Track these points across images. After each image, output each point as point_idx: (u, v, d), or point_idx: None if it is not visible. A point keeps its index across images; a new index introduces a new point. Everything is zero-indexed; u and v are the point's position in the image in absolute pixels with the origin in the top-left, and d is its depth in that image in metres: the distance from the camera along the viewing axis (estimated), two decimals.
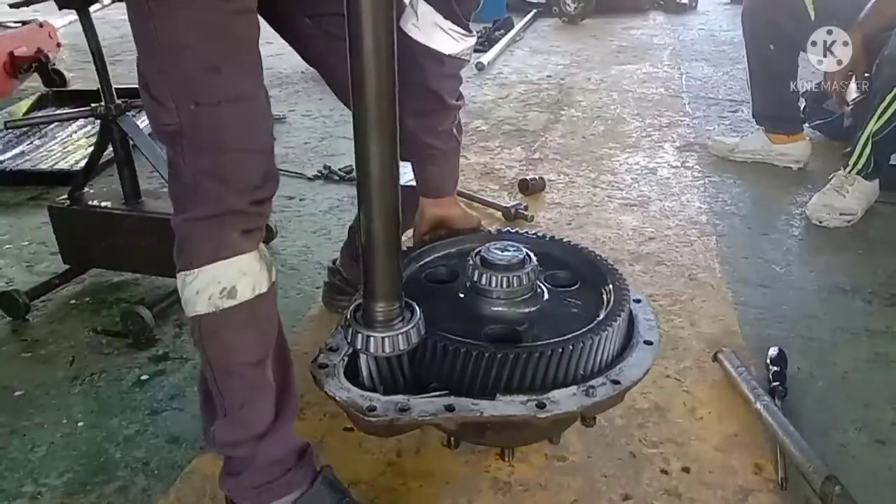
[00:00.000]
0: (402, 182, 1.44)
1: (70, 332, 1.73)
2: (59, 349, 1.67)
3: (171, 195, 1.03)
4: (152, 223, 1.79)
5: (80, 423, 1.43)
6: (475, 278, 1.11)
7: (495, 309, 1.11)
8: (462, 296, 1.15)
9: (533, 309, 1.11)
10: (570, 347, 1.00)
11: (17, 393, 1.53)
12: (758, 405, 1.36)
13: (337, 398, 0.97)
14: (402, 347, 0.93)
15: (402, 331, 0.93)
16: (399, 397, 0.97)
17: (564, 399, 0.97)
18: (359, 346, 0.93)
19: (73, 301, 1.87)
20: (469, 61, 1.29)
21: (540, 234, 1.31)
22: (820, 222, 2.18)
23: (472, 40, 1.24)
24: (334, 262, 1.74)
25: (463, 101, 1.29)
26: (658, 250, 2.04)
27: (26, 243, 2.17)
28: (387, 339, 0.92)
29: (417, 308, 0.96)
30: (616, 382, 1.01)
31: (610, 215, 2.26)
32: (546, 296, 1.14)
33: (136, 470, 1.31)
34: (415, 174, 1.35)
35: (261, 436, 1.06)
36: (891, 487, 1.25)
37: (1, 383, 1.56)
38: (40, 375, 1.57)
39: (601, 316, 1.09)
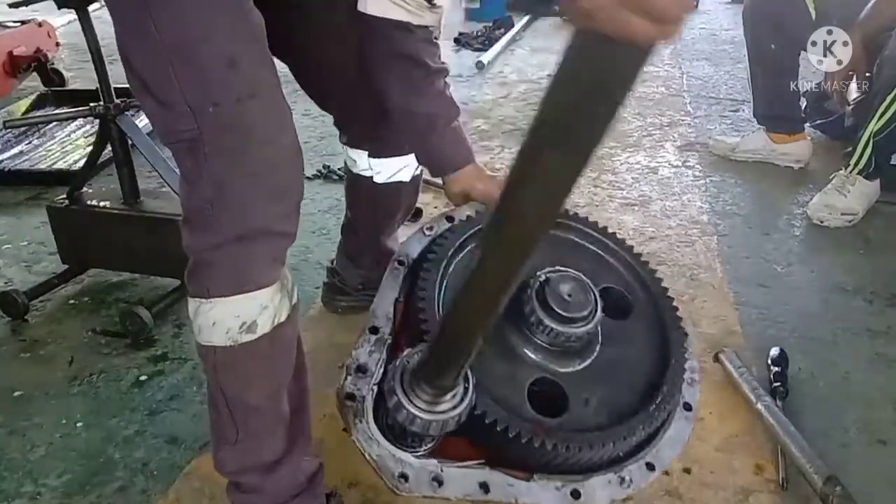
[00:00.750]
0: (398, 177, 1.45)
1: (69, 333, 1.72)
2: (57, 349, 1.66)
3: (185, 214, 0.91)
4: (151, 223, 1.79)
5: (79, 424, 1.43)
6: (530, 317, 0.96)
7: (543, 359, 0.98)
8: (506, 323, 0.99)
9: (586, 364, 0.99)
10: (615, 441, 0.93)
11: (16, 393, 1.52)
12: (759, 405, 1.35)
13: (366, 454, 0.90)
14: (449, 429, 0.84)
15: (451, 413, 0.83)
16: (433, 464, 0.90)
17: (599, 489, 0.93)
18: (401, 419, 0.84)
19: (72, 301, 1.87)
20: (439, 32, 1.21)
21: (600, 227, 1.16)
22: (821, 222, 2.18)
23: (436, 15, 1.16)
24: (332, 262, 1.74)
25: (446, 65, 1.22)
26: (659, 250, 2.04)
27: (25, 243, 2.16)
28: (434, 423, 0.83)
29: (472, 378, 0.86)
30: (651, 468, 0.96)
31: (611, 215, 2.26)
32: (599, 342, 1.00)
33: (135, 470, 1.30)
34: (422, 156, 1.29)
35: (271, 466, 1.01)
36: (891, 487, 1.24)
37: (0, 383, 1.55)
38: (39, 375, 1.57)
39: (657, 396, 0.98)
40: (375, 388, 0.95)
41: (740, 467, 1.28)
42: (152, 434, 1.39)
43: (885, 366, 1.56)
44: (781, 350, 1.52)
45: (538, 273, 0.99)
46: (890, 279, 1.88)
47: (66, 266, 1.92)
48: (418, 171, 1.50)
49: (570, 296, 0.96)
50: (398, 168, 1.46)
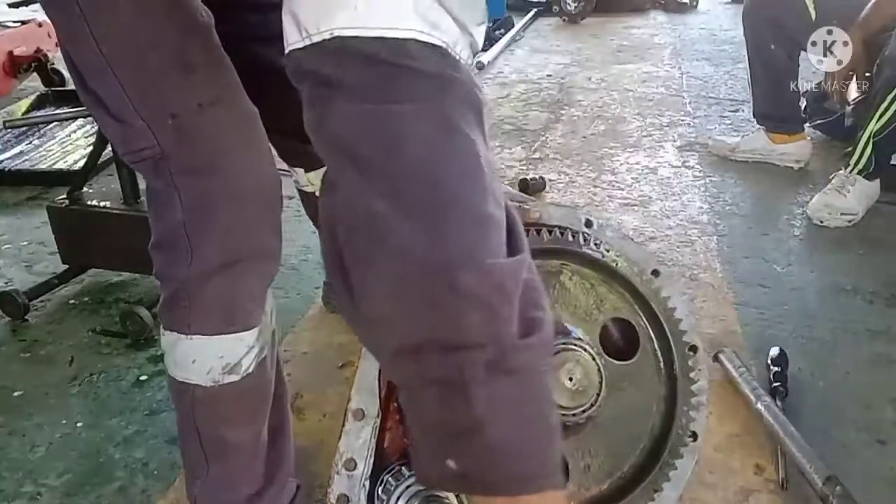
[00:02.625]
0: None
1: (69, 333, 1.72)
2: (58, 349, 1.66)
3: (157, 237, 0.83)
4: None
5: (79, 424, 1.43)
6: None
7: None
8: None
9: (586, 430, 0.94)
10: None
11: (16, 393, 1.52)
12: (758, 405, 1.35)
13: None
14: None
15: None
16: None
17: None
18: None
19: (72, 301, 1.87)
20: None
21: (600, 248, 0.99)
22: (821, 222, 2.18)
23: None
24: None
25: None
26: (659, 250, 2.03)
27: (25, 243, 2.16)
28: None
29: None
30: None
31: (610, 215, 2.26)
32: (601, 393, 0.91)
33: (135, 470, 1.30)
34: None
35: (250, 499, 0.96)
36: (891, 487, 1.24)
37: (0, 383, 1.55)
38: (39, 376, 1.57)
39: (660, 458, 0.95)
40: (367, 483, 0.89)
41: (740, 467, 1.28)
42: (152, 434, 1.39)
43: (884, 366, 1.56)
44: (781, 350, 1.52)
45: None
46: (890, 279, 1.88)
47: (66, 266, 1.92)
48: None
49: (571, 380, 0.88)
50: None
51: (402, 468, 0.88)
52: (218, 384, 0.86)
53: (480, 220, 0.54)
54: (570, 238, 0.97)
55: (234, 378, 0.86)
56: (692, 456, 0.98)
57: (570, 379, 0.89)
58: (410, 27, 0.54)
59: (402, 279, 0.53)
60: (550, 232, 0.96)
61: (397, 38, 0.54)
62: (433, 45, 0.56)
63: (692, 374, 0.98)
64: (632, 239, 1.03)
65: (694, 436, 0.98)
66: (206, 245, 0.80)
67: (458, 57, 0.59)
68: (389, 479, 0.87)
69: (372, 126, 0.54)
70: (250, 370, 0.87)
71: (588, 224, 1.00)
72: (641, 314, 0.99)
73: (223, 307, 0.83)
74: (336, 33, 0.54)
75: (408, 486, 0.86)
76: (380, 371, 0.92)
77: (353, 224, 0.55)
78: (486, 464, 0.55)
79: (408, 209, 0.53)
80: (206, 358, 0.84)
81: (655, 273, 0.99)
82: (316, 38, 0.54)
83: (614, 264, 0.98)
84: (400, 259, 0.52)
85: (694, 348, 0.99)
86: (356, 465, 0.89)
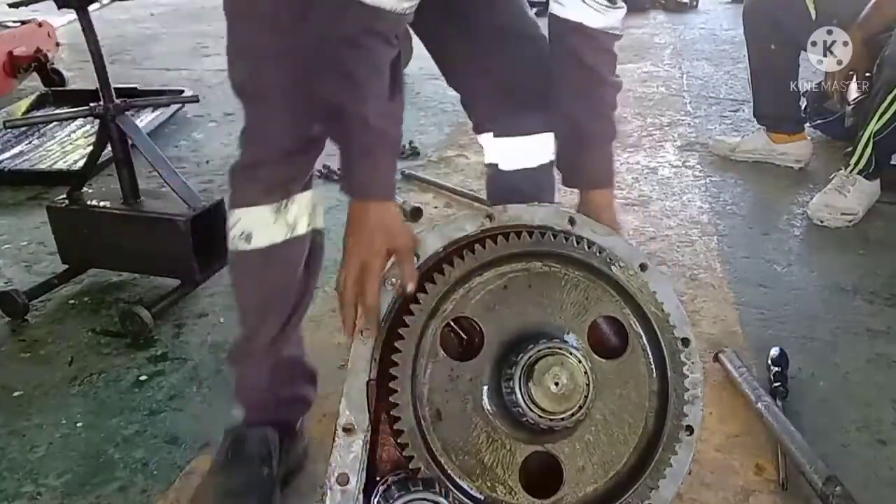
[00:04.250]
0: (539, 161, 1.32)
1: (69, 333, 1.72)
2: (57, 349, 1.66)
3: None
4: (151, 223, 1.79)
5: (78, 424, 1.43)
6: (517, 403, 0.90)
7: (532, 434, 0.93)
8: (491, 392, 0.93)
9: (579, 426, 0.95)
10: None
11: (16, 393, 1.52)
12: (759, 405, 1.35)
13: None
14: None
15: None
16: None
17: None
18: None
19: (71, 301, 1.87)
20: (621, 35, 1.16)
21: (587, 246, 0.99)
22: (821, 222, 2.18)
23: (620, 12, 1.11)
24: None
25: (621, 79, 1.17)
26: (659, 250, 2.04)
27: (25, 243, 2.16)
28: None
29: None
30: None
31: None
32: (589, 395, 0.91)
33: (135, 470, 1.30)
34: (565, 163, 1.23)
35: (265, 350, 1.21)
36: (891, 487, 1.24)
37: (0, 383, 1.55)
38: (39, 376, 1.57)
39: (655, 454, 0.96)
40: (360, 497, 0.90)
41: (740, 467, 1.28)
42: (152, 434, 1.39)
43: (884, 366, 1.56)
44: (781, 350, 1.52)
45: (520, 357, 0.90)
46: (890, 279, 1.88)
47: (66, 266, 1.92)
48: (546, 161, 1.35)
49: (556, 384, 0.89)
50: (522, 149, 1.33)
51: (393, 486, 0.88)
52: (237, 249, 1.16)
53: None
54: (553, 238, 0.97)
55: (247, 246, 1.15)
56: (688, 450, 0.98)
57: (556, 384, 0.89)
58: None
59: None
60: (531, 234, 0.96)
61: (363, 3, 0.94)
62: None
63: (685, 368, 0.98)
64: (618, 234, 1.03)
65: (689, 430, 0.98)
66: (244, 152, 1.17)
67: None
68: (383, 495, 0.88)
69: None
70: (260, 245, 1.15)
71: (572, 222, 1.00)
72: (630, 310, 0.99)
73: (241, 189, 1.17)
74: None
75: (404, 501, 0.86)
76: (368, 385, 0.93)
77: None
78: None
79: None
80: (232, 226, 1.17)
81: (643, 267, 0.99)
82: None
83: (599, 262, 0.97)
84: None
85: (686, 341, 0.99)
86: (349, 479, 0.90)
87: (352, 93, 0.96)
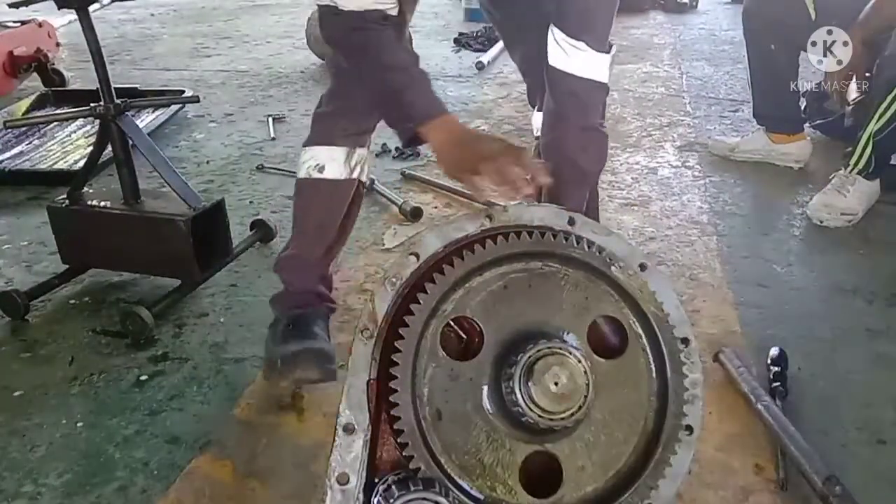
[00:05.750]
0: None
1: (69, 333, 1.73)
2: (58, 349, 1.67)
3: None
4: (151, 223, 1.79)
5: (79, 424, 1.43)
6: (516, 402, 0.89)
7: (532, 434, 0.93)
8: (491, 392, 0.93)
9: (579, 426, 0.94)
10: None
11: (16, 393, 1.52)
12: (758, 405, 1.35)
13: None
14: None
15: None
16: None
17: None
18: None
19: (72, 301, 1.87)
20: (601, 85, 1.42)
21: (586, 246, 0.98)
22: (821, 222, 2.18)
23: (588, 55, 1.34)
24: None
25: (603, 126, 1.49)
26: (659, 250, 2.04)
27: (25, 243, 2.16)
28: None
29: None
30: None
31: (610, 215, 2.26)
32: (589, 395, 0.90)
33: (135, 470, 1.31)
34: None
35: (312, 264, 1.56)
36: (891, 487, 1.24)
37: (0, 383, 1.55)
38: (39, 375, 1.57)
39: (653, 455, 0.95)
40: (361, 496, 0.90)
41: (740, 467, 1.28)
42: (152, 434, 1.39)
43: (884, 365, 1.56)
44: (781, 350, 1.52)
45: (520, 357, 0.89)
46: (890, 279, 1.88)
47: (67, 266, 1.92)
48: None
49: (556, 384, 0.88)
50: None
51: (393, 485, 0.88)
52: (310, 177, 1.49)
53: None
54: (553, 238, 0.97)
55: (319, 175, 1.48)
56: (688, 450, 0.97)
57: (556, 384, 0.89)
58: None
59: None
60: (531, 234, 0.96)
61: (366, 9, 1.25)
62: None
63: (685, 368, 0.98)
64: (617, 234, 1.03)
65: (689, 429, 0.97)
66: (328, 103, 1.54)
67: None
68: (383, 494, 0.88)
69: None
70: (329, 176, 1.48)
71: (572, 222, 1.00)
72: (630, 310, 0.99)
73: (321, 130, 1.50)
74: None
75: (404, 501, 0.86)
76: (368, 384, 0.93)
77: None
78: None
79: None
80: (308, 159, 1.52)
81: (642, 267, 0.99)
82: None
83: (599, 262, 0.97)
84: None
85: (686, 341, 0.99)
86: (349, 479, 0.90)
87: (369, 56, 1.27)
